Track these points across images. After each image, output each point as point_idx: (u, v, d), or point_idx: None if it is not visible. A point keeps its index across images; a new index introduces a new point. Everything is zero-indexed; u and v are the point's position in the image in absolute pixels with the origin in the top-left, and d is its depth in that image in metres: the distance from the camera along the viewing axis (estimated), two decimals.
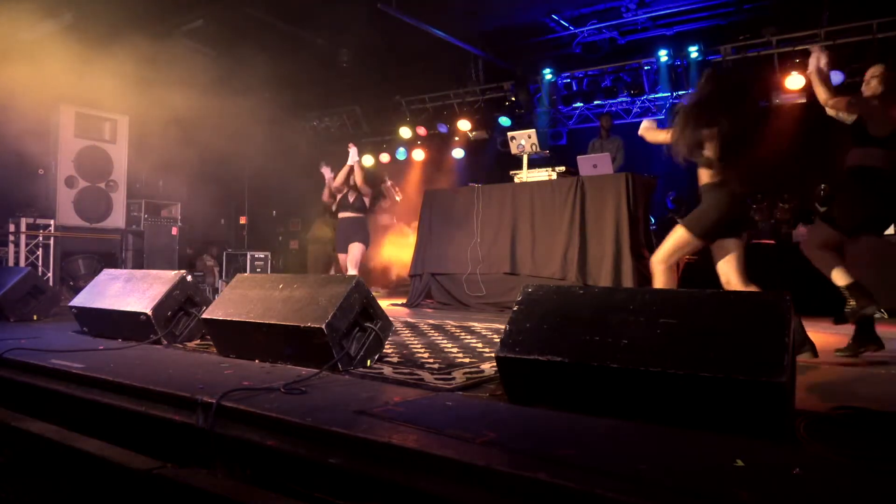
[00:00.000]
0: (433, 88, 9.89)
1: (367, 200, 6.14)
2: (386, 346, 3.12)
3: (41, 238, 7.39)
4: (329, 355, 2.72)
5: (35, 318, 4.82)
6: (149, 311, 3.54)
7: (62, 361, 2.87)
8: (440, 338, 4.00)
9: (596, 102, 8.97)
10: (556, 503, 1.40)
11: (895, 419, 1.96)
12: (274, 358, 2.98)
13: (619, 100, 8.78)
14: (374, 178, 6.97)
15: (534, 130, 6.64)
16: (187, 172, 8.26)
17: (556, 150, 8.85)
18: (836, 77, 6.90)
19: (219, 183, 9.08)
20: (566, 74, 9.14)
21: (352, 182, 6.06)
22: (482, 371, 2.79)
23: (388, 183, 7.96)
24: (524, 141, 6.57)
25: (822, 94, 3.67)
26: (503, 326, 2.26)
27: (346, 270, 6.01)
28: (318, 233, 8.43)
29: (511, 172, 6.71)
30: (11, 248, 7.30)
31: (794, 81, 7.10)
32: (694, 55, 7.85)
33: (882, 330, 4.79)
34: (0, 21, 6.18)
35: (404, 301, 6.94)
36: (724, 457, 1.60)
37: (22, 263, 7.09)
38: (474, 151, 10.05)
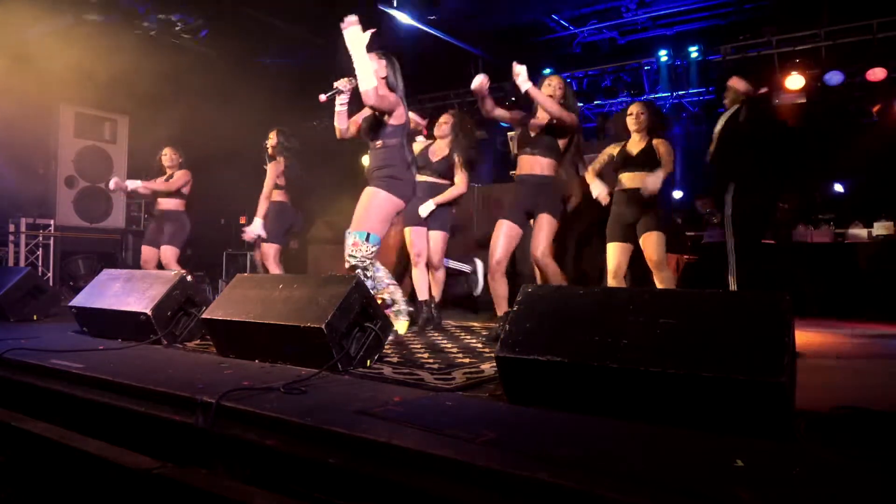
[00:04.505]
0: (433, 88, 9.88)
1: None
2: (386, 346, 3.12)
3: (41, 238, 7.39)
4: (329, 355, 2.72)
5: (35, 318, 4.82)
6: (149, 311, 3.54)
7: (62, 361, 2.87)
8: (440, 338, 4.00)
9: (596, 102, 8.97)
10: (555, 503, 1.40)
11: (895, 419, 1.96)
12: (274, 358, 2.98)
13: (620, 100, 8.78)
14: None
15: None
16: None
17: None
18: (836, 77, 6.90)
19: (219, 183, 9.06)
20: (566, 74, 9.12)
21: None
22: (482, 371, 2.79)
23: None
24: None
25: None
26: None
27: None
28: (318, 233, 8.41)
29: (511, 173, 6.70)
30: (11, 248, 7.31)
31: (794, 81, 7.10)
32: (694, 55, 7.84)
33: (882, 330, 4.81)
34: (0, 21, 6.18)
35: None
36: (724, 457, 1.60)
37: (22, 263, 7.10)
38: None
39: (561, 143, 4.00)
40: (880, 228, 6.16)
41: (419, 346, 3.61)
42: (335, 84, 3.61)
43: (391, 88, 3.61)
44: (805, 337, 4.03)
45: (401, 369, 2.82)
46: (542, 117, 3.98)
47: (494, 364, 2.27)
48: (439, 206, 4.55)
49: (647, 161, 4.04)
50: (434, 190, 4.59)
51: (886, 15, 6.57)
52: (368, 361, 2.89)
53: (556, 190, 4.00)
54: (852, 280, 5.78)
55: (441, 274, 4.65)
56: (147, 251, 5.78)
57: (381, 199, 3.48)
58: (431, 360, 3.07)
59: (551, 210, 3.91)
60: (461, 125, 4.71)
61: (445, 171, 4.61)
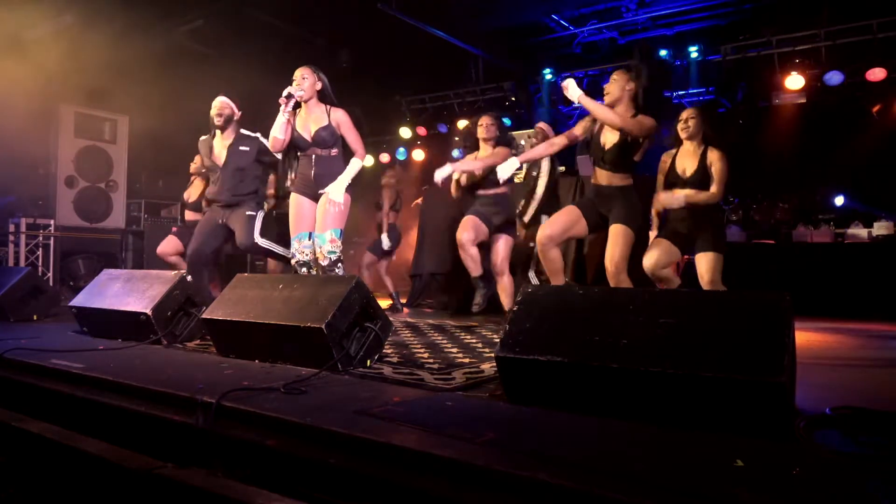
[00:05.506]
0: (433, 88, 9.87)
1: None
2: (386, 346, 3.12)
3: (41, 238, 7.39)
4: (329, 355, 2.72)
5: (35, 318, 4.82)
6: (149, 311, 3.54)
7: (62, 361, 2.87)
8: (440, 338, 4.00)
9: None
10: (555, 503, 1.40)
11: (895, 419, 1.96)
12: (274, 358, 2.98)
13: None
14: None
15: (534, 130, 6.64)
16: (187, 172, 8.27)
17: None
18: (836, 77, 6.90)
19: None
20: (566, 74, 9.13)
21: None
22: (482, 371, 2.79)
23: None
24: (524, 141, 6.57)
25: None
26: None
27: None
28: None
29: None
30: (11, 248, 7.31)
31: (794, 81, 7.10)
32: (694, 55, 7.84)
33: (882, 330, 4.81)
34: (1, 20, 6.18)
35: (404, 301, 6.94)
36: (724, 457, 1.60)
37: (22, 263, 7.10)
38: None
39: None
40: (880, 228, 6.16)
41: (419, 346, 3.61)
42: (287, 90, 3.77)
43: (324, 98, 3.98)
44: (805, 337, 4.03)
45: (401, 369, 2.82)
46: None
47: (494, 364, 2.27)
48: (504, 212, 4.62)
49: (702, 180, 3.71)
50: (496, 199, 4.64)
51: (886, 15, 6.57)
52: (368, 361, 2.89)
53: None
54: (852, 280, 5.77)
55: (508, 280, 4.49)
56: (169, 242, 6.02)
57: (347, 202, 3.98)
58: (431, 360, 3.07)
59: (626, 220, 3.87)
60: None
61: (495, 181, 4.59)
